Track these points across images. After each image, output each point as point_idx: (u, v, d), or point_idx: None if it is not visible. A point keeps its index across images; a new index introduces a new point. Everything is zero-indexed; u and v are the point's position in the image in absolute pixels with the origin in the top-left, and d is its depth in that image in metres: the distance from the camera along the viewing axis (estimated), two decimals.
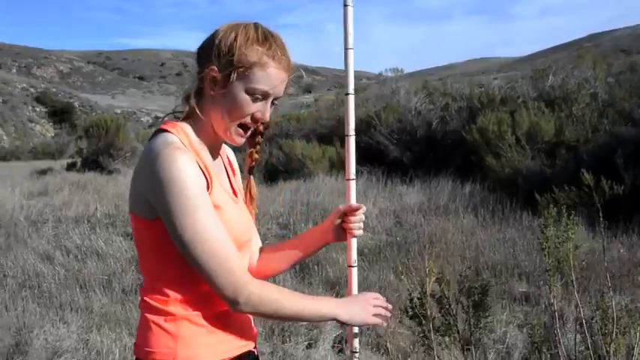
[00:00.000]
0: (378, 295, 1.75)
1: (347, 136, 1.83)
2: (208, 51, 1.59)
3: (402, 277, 2.60)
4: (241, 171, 1.87)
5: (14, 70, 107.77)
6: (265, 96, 1.58)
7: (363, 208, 1.85)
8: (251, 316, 1.76)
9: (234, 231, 1.59)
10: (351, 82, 1.81)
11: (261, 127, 1.73)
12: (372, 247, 6.85)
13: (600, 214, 2.61)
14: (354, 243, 1.84)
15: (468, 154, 11.29)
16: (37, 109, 72.66)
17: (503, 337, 4.49)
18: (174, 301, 1.56)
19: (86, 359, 4.34)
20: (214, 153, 1.70)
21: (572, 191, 7.90)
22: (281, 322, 4.59)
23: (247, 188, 1.82)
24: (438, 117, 13.28)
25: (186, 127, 1.62)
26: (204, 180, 1.54)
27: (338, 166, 13.27)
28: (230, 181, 1.77)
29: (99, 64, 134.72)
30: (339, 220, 1.85)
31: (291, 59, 1.62)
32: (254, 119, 1.60)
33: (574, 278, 2.40)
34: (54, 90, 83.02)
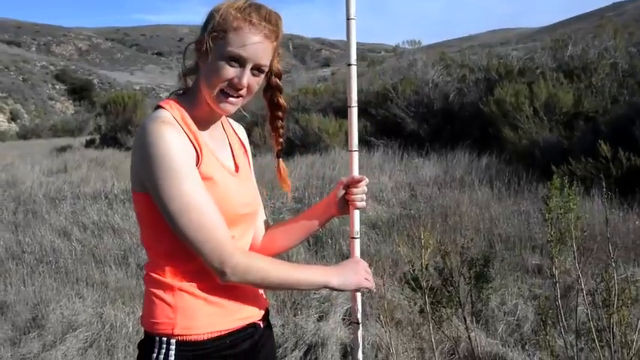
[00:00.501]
0: (365, 264, 1.80)
1: (349, 107, 1.83)
2: (203, 25, 1.63)
3: (400, 248, 2.58)
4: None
5: (33, 49, 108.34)
6: (241, 61, 1.57)
7: (366, 180, 1.86)
8: (261, 289, 1.80)
9: (229, 203, 1.62)
10: (353, 53, 1.82)
11: (279, 113, 1.81)
12: (386, 219, 6.84)
13: (602, 182, 2.55)
14: (356, 215, 1.86)
15: (485, 126, 11.18)
16: (57, 87, 73.25)
17: (514, 310, 4.48)
18: (172, 274, 1.60)
19: (100, 333, 4.41)
20: (212, 127, 1.72)
21: (589, 163, 7.81)
22: (280, 291, 4.64)
23: (277, 170, 1.87)
24: (455, 89, 13.14)
25: (183, 103, 1.65)
26: (194, 152, 1.56)
27: None
28: (234, 156, 1.78)
29: (117, 41, 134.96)
30: (342, 192, 1.86)
31: (275, 29, 1.61)
32: (233, 86, 1.59)
33: (575, 249, 2.38)
34: (73, 67, 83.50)
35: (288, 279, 1.61)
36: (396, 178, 9.39)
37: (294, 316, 4.53)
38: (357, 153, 1.85)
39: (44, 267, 6.07)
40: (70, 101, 70.20)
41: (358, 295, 1.86)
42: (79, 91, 71.45)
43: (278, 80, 1.76)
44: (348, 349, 3.94)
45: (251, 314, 1.72)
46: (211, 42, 1.57)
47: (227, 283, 1.56)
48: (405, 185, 8.63)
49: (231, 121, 1.90)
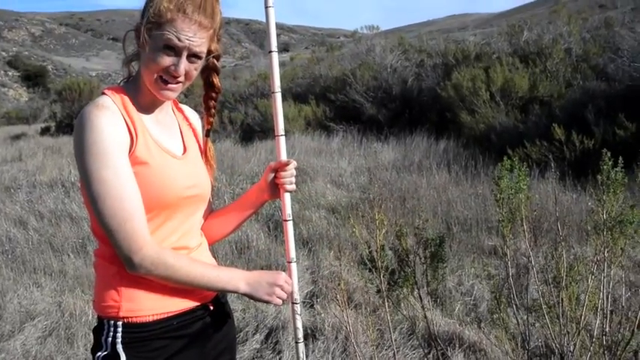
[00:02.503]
0: (289, 278, 1.81)
1: (273, 93, 1.86)
2: (141, 12, 1.65)
3: (355, 229, 2.63)
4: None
5: None
6: (177, 50, 1.59)
7: (293, 163, 1.89)
8: None
9: (169, 186, 1.64)
10: (274, 40, 1.84)
11: (212, 94, 1.85)
12: (345, 204, 6.90)
13: (553, 164, 2.63)
14: (287, 198, 1.89)
15: (443, 110, 11.31)
16: (10, 74, 71.36)
17: (471, 290, 4.59)
18: (115, 258, 1.61)
19: (59, 321, 4.37)
20: (159, 111, 1.75)
21: (543, 146, 7.99)
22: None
23: (204, 149, 1.89)
24: (413, 74, 13.25)
25: (127, 89, 1.68)
26: (127, 139, 1.59)
27: (314, 124, 13.26)
28: (183, 139, 1.80)
29: (72, 26, 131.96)
30: (271, 176, 1.89)
31: (210, 17, 1.63)
32: (170, 73, 1.61)
33: (526, 228, 2.46)
34: (26, 53, 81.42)
35: (197, 279, 1.63)
36: (356, 162, 9.46)
37: (255, 301, 4.55)
38: (283, 137, 1.88)
39: (0, 257, 5.97)
40: (24, 88, 68.51)
41: (294, 273, 1.89)
42: (33, 78, 69.76)
43: (215, 61, 1.78)
44: (309, 332, 3.99)
45: (199, 296, 1.74)
46: (146, 34, 1.59)
47: (134, 274, 1.58)
48: (365, 170, 8.70)
49: (183, 106, 1.92)
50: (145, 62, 1.63)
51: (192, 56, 1.62)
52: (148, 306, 1.63)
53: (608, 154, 2.61)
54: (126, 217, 1.53)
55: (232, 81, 21.01)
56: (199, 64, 1.66)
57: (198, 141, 1.88)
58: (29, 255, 5.91)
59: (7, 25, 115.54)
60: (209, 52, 1.70)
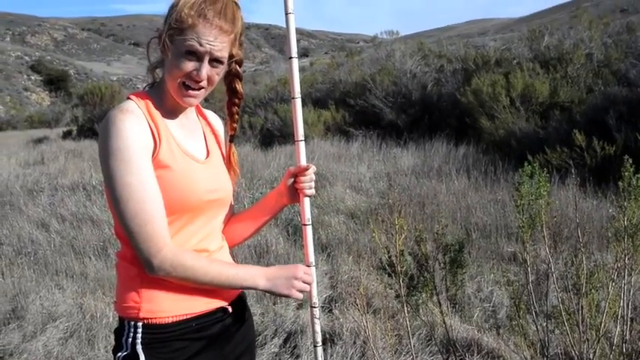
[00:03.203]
0: (308, 269, 1.81)
1: (293, 98, 1.87)
2: (164, 19, 1.68)
3: (374, 235, 2.63)
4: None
5: (8, 39, 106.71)
6: (198, 55, 1.62)
7: (313, 168, 1.90)
8: None
9: (191, 190, 1.67)
10: (294, 47, 1.86)
11: (235, 100, 1.87)
12: (364, 209, 6.90)
13: (573, 170, 2.62)
14: (307, 202, 1.90)
15: (462, 116, 11.28)
16: (33, 78, 72.26)
17: (490, 296, 4.57)
18: (136, 260, 1.63)
19: (81, 323, 4.42)
20: (183, 116, 1.78)
21: (564, 152, 7.93)
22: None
23: (228, 155, 1.92)
24: (433, 79, 13.23)
25: (151, 94, 1.72)
26: (151, 143, 1.62)
27: (333, 130, 13.27)
28: (207, 143, 1.84)
29: (93, 31, 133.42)
30: (291, 181, 1.91)
31: (231, 22, 1.65)
32: (192, 78, 1.65)
33: (546, 234, 2.45)
34: (49, 58, 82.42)
35: (216, 278, 1.65)
36: (375, 167, 9.46)
37: (274, 304, 4.58)
38: (303, 142, 1.90)
39: (23, 259, 6.05)
40: (46, 92, 69.32)
41: (313, 277, 1.90)
42: (55, 82, 70.57)
43: (238, 67, 1.80)
44: (327, 336, 3.99)
45: (219, 298, 1.76)
46: (168, 40, 1.63)
47: (154, 276, 1.61)
48: (384, 175, 8.70)
49: (206, 111, 1.95)
50: (167, 68, 1.66)
51: (214, 61, 1.64)
52: (168, 307, 1.66)
53: (630, 160, 2.60)
54: (147, 219, 1.56)
55: (252, 86, 21.08)
56: (221, 68, 1.69)
57: (220, 146, 1.91)
58: (51, 257, 5.98)
59: (30, 30, 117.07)
60: (231, 56, 1.72)
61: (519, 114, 9.97)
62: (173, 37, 1.62)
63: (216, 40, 1.62)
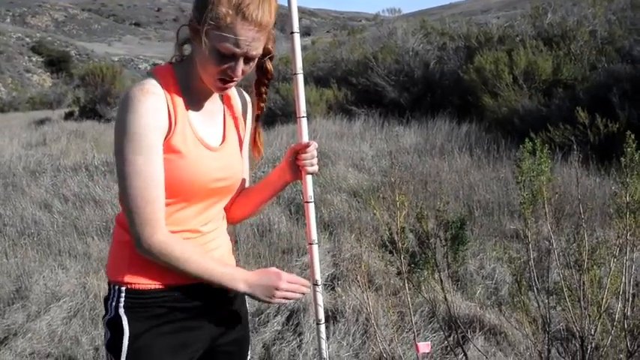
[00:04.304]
0: (295, 278, 1.78)
1: (295, 74, 1.86)
2: (195, 2, 1.66)
3: (376, 211, 2.63)
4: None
5: (8, 20, 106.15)
6: (234, 55, 1.61)
7: (314, 145, 1.89)
8: (221, 252, 1.87)
9: (198, 177, 1.69)
10: (296, 22, 1.85)
11: (265, 80, 1.87)
12: (367, 187, 6.90)
13: (576, 147, 2.61)
14: (309, 179, 1.90)
15: (465, 94, 11.21)
16: (34, 59, 71.97)
17: (492, 273, 4.58)
18: (127, 230, 1.68)
19: (84, 302, 4.45)
20: (202, 98, 1.77)
21: (567, 130, 7.90)
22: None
23: (253, 135, 1.93)
24: (435, 57, 13.14)
25: (177, 72, 1.72)
26: (166, 125, 1.63)
27: (335, 108, 13.22)
28: (225, 128, 1.83)
29: (94, 11, 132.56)
30: (293, 158, 1.90)
31: (269, 19, 1.63)
32: (227, 75, 1.64)
33: (547, 211, 2.45)
34: (49, 39, 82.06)
35: (199, 273, 1.67)
36: (377, 146, 9.44)
37: None
38: (305, 119, 1.90)
39: (26, 239, 6.07)
40: (48, 73, 69.05)
41: (316, 255, 1.90)
42: (57, 63, 70.25)
43: (270, 47, 1.78)
44: (329, 314, 4.01)
45: None
46: (205, 35, 1.59)
47: (140, 253, 1.65)
48: (386, 153, 8.68)
49: (235, 92, 1.93)
50: (201, 59, 1.64)
51: (248, 58, 1.64)
52: (152, 276, 1.70)
53: (632, 136, 2.58)
54: (147, 200, 1.59)
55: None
56: (255, 62, 1.69)
57: (238, 129, 1.90)
58: (54, 237, 6.00)
59: (31, 11, 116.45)
60: (266, 50, 1.74)
61: (522, 92, 9.91)
62: (209, 33, 1.59)
63: (253, 41, 1.60)
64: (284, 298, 1.75)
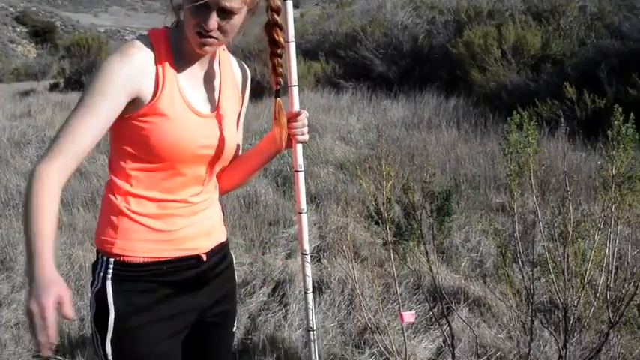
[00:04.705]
0: (49, 310, 1.33)
1: (286, 42, 1.85)
2: None
3: (362, 181, 2.63)
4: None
5: None
6: (207, 5, 1.58)
7: (305, 114, 1.89)
8: (212, 223, 1.84)
9: (183, 142, 1.66)
10: None
11: (276, 50, 1.81)
12: (354, 160, 6.90)
13: (563, 121, 2.61)
14: (299, 148, 1.91)
15: (453, 68, 11.19)
16: (18, 30, 70.91)
17: (478, 246, 4.61)
18: (120, 196, 1.68)
19: (70, 273, 4.44)
20: (199, 64, 1.74)
21: (554, 105, 7.91)
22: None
23: (274, 111, 1.87)
24: (424, 31, 13.07)
25: (172, 35, 1.70)
26: (151, 86, 1.62)
27: (323, 81, 13.15)
28: (219, 96, 1.80)
29: None
30: None
31: None
32: (202, 28, 1.61)
33: (533, 183, 2.46)
34: (34, 9, 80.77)
35: (25, 226, 1.48)
36: (365, 119, 9.42)
37: (263, 254, 4.61)
38: (296, 88, 1.90)
39: (11, 210, 6.02)
40: (32, 44, 68.06)
41: (305, 224, 1.91)
42: (42, 34, 69.19)
43: (276, 15, 1.75)
44: (315, 285, 4.03)
45: (195, 246, 1.77)
46: None
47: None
48: (373, 127, 8.66)
49: (232, 59, 1.91)
50: (184, 15, 1.64)
51: (222, 11, 1.59)
52: (140, 248, 1.68)
53: (620, 109, 2.58)
54: (64, 134, 1.54)
55: (241, 37, 20.79)
56: (235, 19, 1.63)
57: (235, 100, 1.87)
58: None
59: None
60: (269, 6, 1.71)
61: (510, 66, 9.90)
62: None
63: None
64: (32, 318, 1.34)
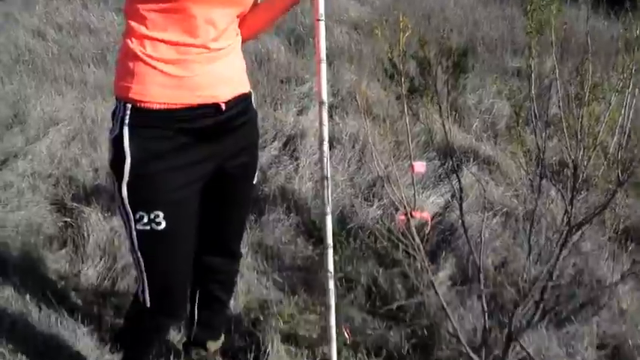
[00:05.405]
0: None
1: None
2: None
3: (377, 33, 2.57)
4: None
5: None
6: None
7: None
8: (231, 74, 1.83)
9: None
10: None
11: None
12: (369, 20, 6.69)
13: None
14: None
15: None
16: None
17: (491, 108, 4.58)
18: (136, 40, 1.65)
19: (82, 127, 4.47)
20: None
21: None
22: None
23: None
24: None
25: None
26: None
27: None
28: None
29: None
30: None
31: None
32: None
33: (554, 40, 2.38)
34: None
35: None
36: None
37: (274, 110, 4.60)
38: None
39: (21, 66, 5.96)
40: None
41: (324, 73, 1.90)
42: None
43: None
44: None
45: (213, 94, 1.75)
46: None
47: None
48: None
49: None
50: None
51: None
52: (156, 93, 1.66)
53: None
54: None
55: None
56: None
57: None
58: (49, 65, 5.90)
59: None
60: None
61: None
62: None
63: None
64: None
